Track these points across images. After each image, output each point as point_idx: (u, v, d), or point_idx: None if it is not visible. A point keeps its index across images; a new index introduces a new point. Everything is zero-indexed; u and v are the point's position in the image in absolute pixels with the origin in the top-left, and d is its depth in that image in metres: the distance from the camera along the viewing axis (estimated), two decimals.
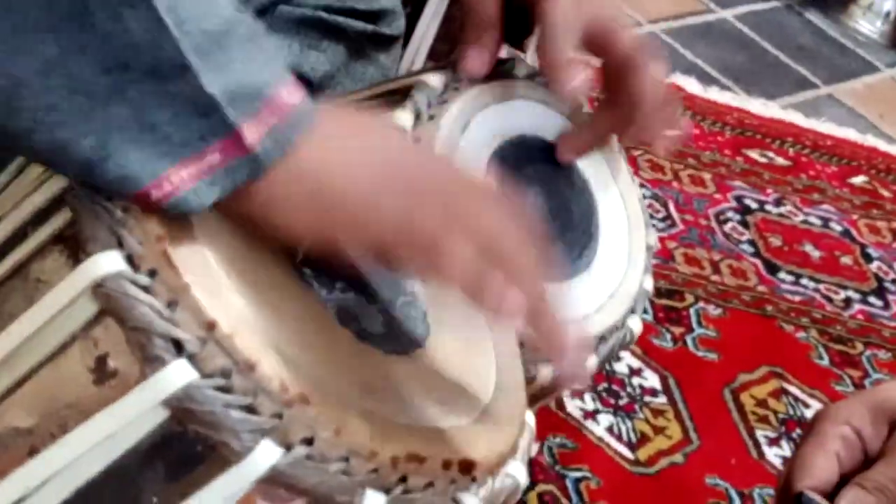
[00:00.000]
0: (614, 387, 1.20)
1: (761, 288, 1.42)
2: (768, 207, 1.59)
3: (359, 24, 0.91)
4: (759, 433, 1.21)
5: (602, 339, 0.78)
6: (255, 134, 0.50)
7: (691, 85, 1.78)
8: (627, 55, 0.77)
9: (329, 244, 0.54)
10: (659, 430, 1.17)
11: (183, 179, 0.49)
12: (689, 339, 1.30)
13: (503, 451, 0.58)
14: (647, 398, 1.20)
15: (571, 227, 0.80)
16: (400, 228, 0.54)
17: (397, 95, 0.76)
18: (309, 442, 0.50)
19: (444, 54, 0.82)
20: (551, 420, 1.11)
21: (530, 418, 0.63)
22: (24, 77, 0.47)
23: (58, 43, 0.47)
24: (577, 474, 1.08)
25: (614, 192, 0.84)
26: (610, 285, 0.80)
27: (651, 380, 1.22)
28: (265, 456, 0.49)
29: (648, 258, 0.83)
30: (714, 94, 1.79)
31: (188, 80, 0.48)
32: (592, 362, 0.78)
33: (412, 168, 0.56)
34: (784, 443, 1.20)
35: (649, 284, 0.83)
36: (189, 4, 0.48)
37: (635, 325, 0.81)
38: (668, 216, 1.49)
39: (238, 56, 0.50)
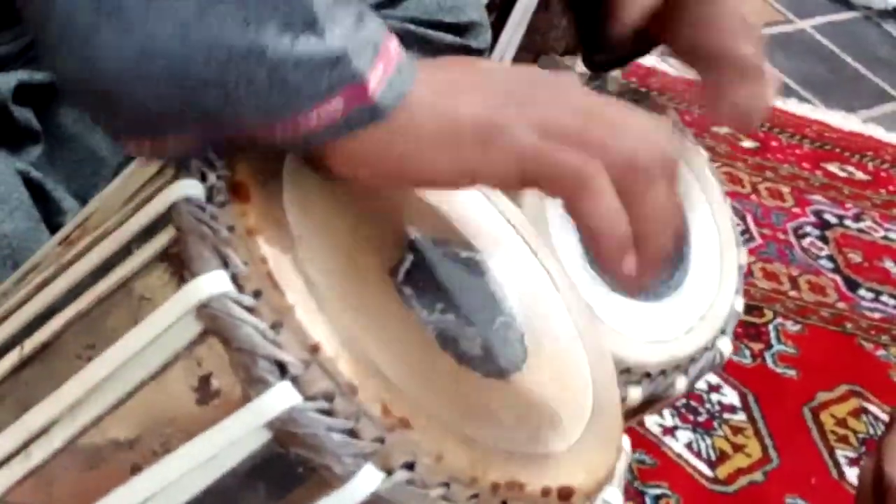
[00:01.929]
0: (693, 403, 1.19)
1: (841, 304, 1.41)
2: (847, 222, 1.57)
3: (447, 37, 0.91)
4: (840, 453, 1.19)
5: (692, 360, 0.77)
6: (375, 82, 0.51)
7: None
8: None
9: (467, 176, 0.54)
10: (738, 448, 1.16)
11: (307, 125, 0.51)
12: (767, 356, 1.29)
13: (601, 477, 0.57)
14: (727, 415, 1.19)
15: None
16: (534, 152, 0.53)
17: None
18: (410, 467, 0.49)
19: (527, 63, 0.81)
20: (630, 435, 1.10)
21: (625, 442, 0.62)
22: (161, 35, 0.48)
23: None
24: (657, 491, 1.07)
25: (706, 210, 0.83)
26: (701, 307, 0.79)
27: (730, 396, 1.21)
28: (366, 480, 0.48)
29: (740, 279, 0.82)
30: (792, 107, 1.77)
31: (319, 34, 0.49)
32: (682, 383, 0.77)
33: (538, 89, 0.55)
34: None
35: (740, 305, 0.82)
36: None
37: (725, 346, 0.80)
38: (747, 230, 1.48)
39: (356, 13, 0.51)
